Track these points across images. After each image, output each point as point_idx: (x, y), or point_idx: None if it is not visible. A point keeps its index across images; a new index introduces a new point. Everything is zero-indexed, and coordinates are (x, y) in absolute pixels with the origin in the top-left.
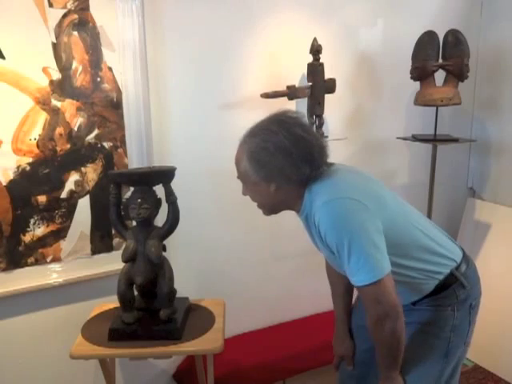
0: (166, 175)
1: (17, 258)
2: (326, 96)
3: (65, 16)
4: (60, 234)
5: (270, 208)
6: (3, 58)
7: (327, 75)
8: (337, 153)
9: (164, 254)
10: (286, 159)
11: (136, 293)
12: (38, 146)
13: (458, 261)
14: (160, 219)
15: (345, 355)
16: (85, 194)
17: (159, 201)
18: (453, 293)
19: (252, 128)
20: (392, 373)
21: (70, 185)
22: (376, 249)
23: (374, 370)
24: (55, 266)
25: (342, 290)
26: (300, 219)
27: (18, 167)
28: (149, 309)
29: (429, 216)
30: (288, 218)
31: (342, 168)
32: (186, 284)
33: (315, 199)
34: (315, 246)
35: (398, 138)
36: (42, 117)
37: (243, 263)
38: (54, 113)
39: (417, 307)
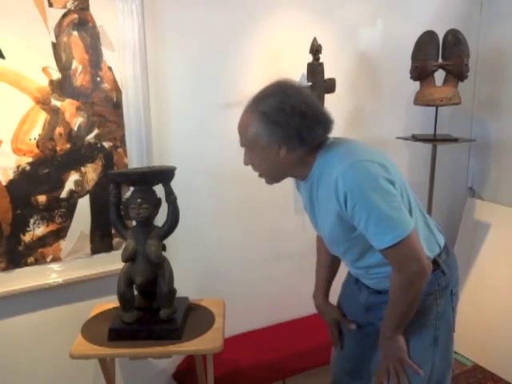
0: (165, 175)
1: (17, 258)
2: (326, 96)
3: (65, 16)
4: (60, 233)
5: (275, 175)
6: (3, 57)
7: (327, 75)
8: None
9: (164, 253)
10: (301, 120)
11: (136, 292)
12: (37, 146)
13: (441, 248)
14: (160, 219)
15: (336, 318)
16: (85, 194)
17: (159, 200)
18: (434, 280)
19: (260, 93)
20: (395, 334)
21: (69, 184)
22: (399, 210)
23: (366, 365)
24: (55, 266)
25: (328, 260)
26: (298, 189)
27: (17, 167)
28: (149, 309)
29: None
30: (288, 218)
31: (353, 139)
32: (185, 284)
33: (333, 164)
34: (312, 219)
35: (397, 137)
36: (42, 116)
37: (243, 263)
38: (54, 112)
39: None
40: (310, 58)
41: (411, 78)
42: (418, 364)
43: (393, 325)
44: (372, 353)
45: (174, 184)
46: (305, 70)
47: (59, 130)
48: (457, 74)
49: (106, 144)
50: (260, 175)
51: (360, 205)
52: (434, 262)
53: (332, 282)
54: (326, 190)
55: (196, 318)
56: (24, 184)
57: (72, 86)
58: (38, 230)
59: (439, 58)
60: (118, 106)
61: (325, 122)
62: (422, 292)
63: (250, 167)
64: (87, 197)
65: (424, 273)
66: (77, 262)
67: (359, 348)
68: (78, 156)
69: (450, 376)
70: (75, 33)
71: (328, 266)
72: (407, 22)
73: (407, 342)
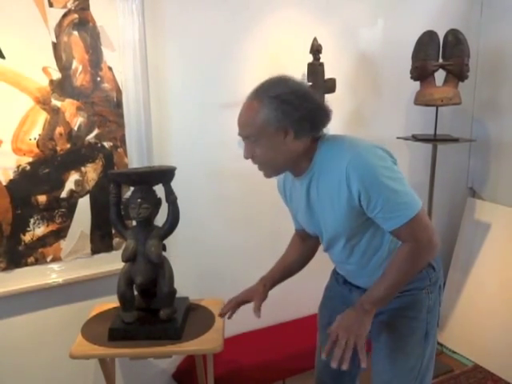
0: (165, 175)
1: (17, 258)
2: (326, 96)
3: (65, 16)
4: (60, 233)
5: (277, 165)
6: (3, 57)
7: (327, 75)
8: None
9: (164, 253)
10: (312, 105)
11: (136, 292)
12: (38, 146)
13: None
14: (160, 219)
15: (254, 297)
16: (85, 194)
17: (159, 200)
18: (426, 276)
19: (267, 82)
20: (373, 307)
21: (70, 184)
22: (408, 187)
23: (348, 367)
24: (55, 266)
25: (295, 259)
26: (283, 191)
27: (18, 167)
28: (149, 308)
29: (428, 215)
30: (288, 219)
31: (348, 135)
32: (185, 284)
33: (338, 155)
34: (304, 216)
35: (398, 137)
36: (42, 116)
37: (243, 263)
38: (54, 112)
39: None
40: (310, 58)
41: (411, 77)
42: (411, 360)
43: (377, 297)
44: (356, 354)
45: (173, 184)
46: (305, 70)
47: (59, 129)
48: (457, 74)
49: (107, 144)
50: (260, 167)
51: (376, 187)
52: None
53: (282, 280)
54: (330, 182)
55: (196, 318)
56: (24, 184)
57: (72, 85)
58: (38, 229)
59: (439, 58)
60: (118, 105)
61: (328, 111)
62: (423, 266)
63: (250, 166)
64: (87, 197)
65: (436, 247)
66: (77, 262)
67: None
68: (78, 156)
69: (432, 369)
70: (75, 33)
71: (294, 261)
72: (407, 22)
73: (401, 338)
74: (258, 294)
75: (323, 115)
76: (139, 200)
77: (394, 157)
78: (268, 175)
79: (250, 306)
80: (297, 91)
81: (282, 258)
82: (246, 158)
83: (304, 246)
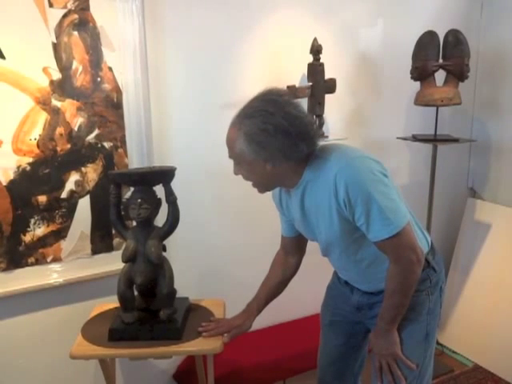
0: (166, 175)
1: (17, 258)
2: (326, 96)
3: (65, 16)
4: (60, 233)
5: (264, 186)
6: (3, 57)
7: (327, 75)
8: None
9: (164, 254)
10: (285, 139)
11: (136, 293)
12: (38, 146)
13: (429, 247)
14: (160, 219)
15: (238, 328)
16: (85, 194)
17: (159, 201)
18: (426, 277)
19: (245, 109)
20: (392, 326)
21: (70, 185)
22: (396, 201)
23: (351, 365)
24: (55, 266)
25: (278, 281)
26: (279, 202)
27: (18, 167)
28: (149, 309)
29: (429, 216)
30: None
31: (341, 143)
32: (186, 284)
33: (328, 165)
34: (301, 226)
35: (398, 138)
36: (43, 117)
37: (243, 263)
38: (55, 113)
39: None
40: (310, 59)
41: (412, 78)
42: (411, 360)
43: (391, 317)
44: (359, 352)
45: (174, 184)
46: (305, 71)
47: (60, 130)
48: (457, 74)
49: (107, 144)
50: (253, 185)
51: (361, 198)
52: (425, 260)
53: (266, 304)
54: (321, 191)
55: (196, 318)
56: (24, 184)
57: (72, 86)
58: (38, 230)
59: (440, 59)
60: (118, 106)
61: (309, 139)
62: (418, 280)
63: None
64: (87, 197)
65: (421, 261)
66: (77, 263)
67: (346, 347)
68: (78, 156)
69: (431, 369)
70: (76, 33)
71: (276, 285)
72: (408, 22)
73: (401, 340)
74: (240, 330)
75: (301, 145)
76: (139, 200)
77: (385, 169)
78: (260, 192)
79: None
80: (266, 129)
81: (264, 284)
82: (235, 174)
83: (286, 266)
